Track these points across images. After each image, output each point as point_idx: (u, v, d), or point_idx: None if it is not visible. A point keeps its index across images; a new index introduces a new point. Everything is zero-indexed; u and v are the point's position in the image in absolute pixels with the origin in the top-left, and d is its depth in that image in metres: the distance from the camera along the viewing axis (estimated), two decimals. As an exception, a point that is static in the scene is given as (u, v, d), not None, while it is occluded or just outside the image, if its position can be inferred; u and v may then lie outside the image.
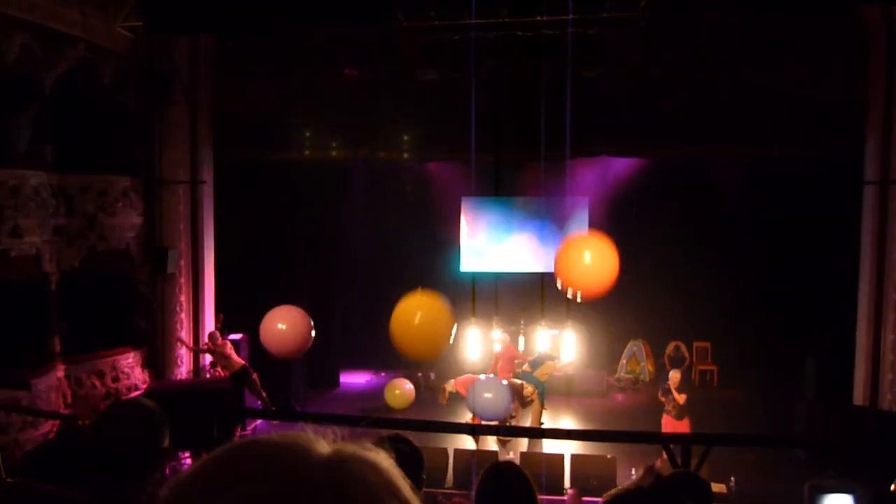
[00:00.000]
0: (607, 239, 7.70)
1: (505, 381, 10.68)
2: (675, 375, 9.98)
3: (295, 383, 12.90)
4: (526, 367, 11.80)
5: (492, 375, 11.07)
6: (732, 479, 9.58)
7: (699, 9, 10.15)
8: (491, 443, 11.01)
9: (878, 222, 10.18)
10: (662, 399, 9.97)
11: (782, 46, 10.29)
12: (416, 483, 2.78)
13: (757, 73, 10.42)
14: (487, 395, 9.88)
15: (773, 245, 12.23)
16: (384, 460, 0.75)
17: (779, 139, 10.74)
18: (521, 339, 12.94)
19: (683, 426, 9.79)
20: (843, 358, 10.69)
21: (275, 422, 11.24)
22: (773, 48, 10.31)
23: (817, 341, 11.30)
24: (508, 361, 11.74)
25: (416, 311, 7.04)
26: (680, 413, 9.81)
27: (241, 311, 12.54)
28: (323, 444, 0.74)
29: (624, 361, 14.48)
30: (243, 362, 11.22)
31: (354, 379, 14.43)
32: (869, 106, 10.29)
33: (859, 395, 10.38)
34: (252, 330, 12.59)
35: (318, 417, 10.02)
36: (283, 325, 8.42)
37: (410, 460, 2.77)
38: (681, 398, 9.75)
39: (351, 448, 0.75)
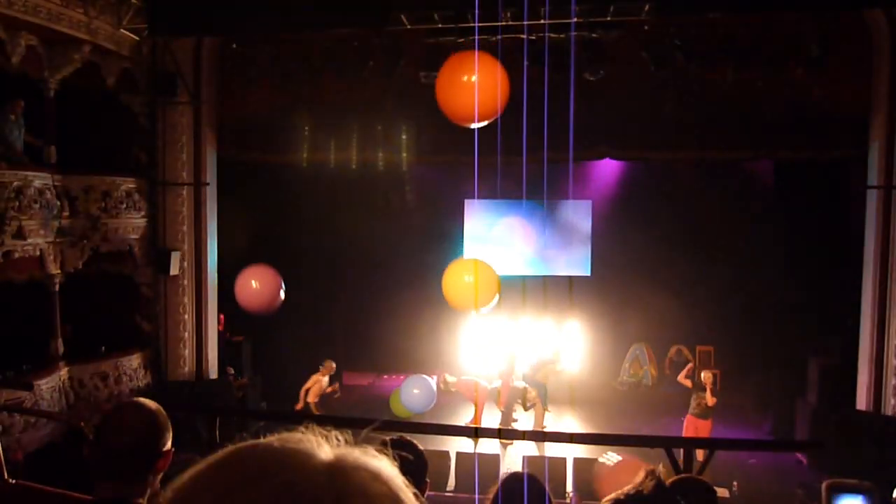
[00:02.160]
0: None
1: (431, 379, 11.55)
2: (707, 374, 10.12)
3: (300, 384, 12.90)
4: (527, 369, 11.81)
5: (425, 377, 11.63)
6: (735, 483, 9.57)
7: (702, 11, 10.13)
8: (493, 446, 11.00)
9: (882, 226, 10.16)
10: (694, 397, 10.10)
11: (786, 50, 10.27)
12: (420, 488, 2.77)
13: (760, 76, 10.40)
14: (415, 390, 11.33)
15: (776, 249, 12.21)
16: (387, 468, 0.74)
17: (782, 143, 10.72)
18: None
19: (706, 426, 9.89)
20: (847, 363, 10.66)
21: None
22: (776, 51, 10.29)
23: (820, 346, 11.28)
24: (507, 383, 11.79)
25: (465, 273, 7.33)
26: (705, 412, 9.94)
27: (243, 312, 12.56)
28: (325, 449, 0.73)
29: (627, 365, 14.46)
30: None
31: (358, 380, 14.42)
32: (873, 110, 10.28)
33: (862, 401, 10.35)
34: (255, 332, 12.67)
35: (320, 419, 10.02)
36: (256, 282, 8.80)
37: (415, 465, 2.76)
38: (711, 400, 9.93)
39: (353, 454, 0.73)
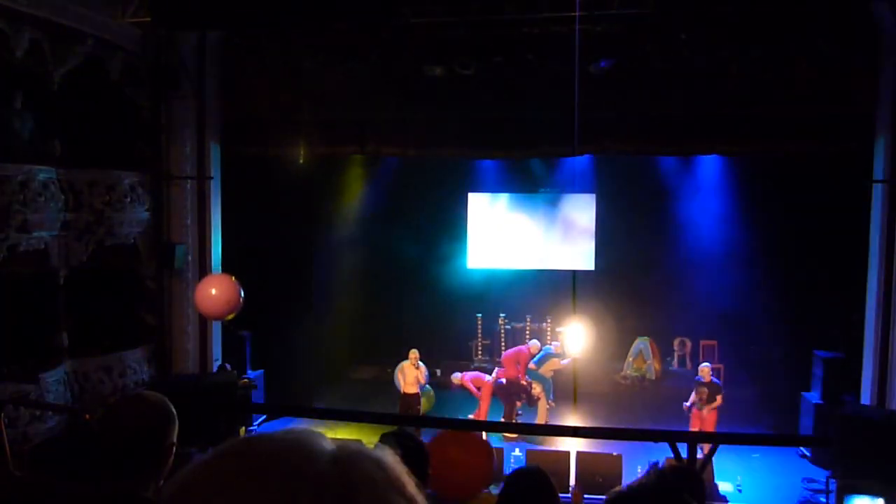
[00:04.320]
0: None
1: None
2: (704, 369, 10.28)
3: (306, 378, 12.94)
4: (531, 364, 11.80)
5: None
6: (739, 477, 9.58)
7: (709, 4, 10.09)
8: (497, 440, 11.01)
9: (887, 220, 10.12)
10: (695, 391, 10.25)
11: (792, 43, 10.23)
12: (422, 479, 2.78)
13: (766, 69, 10.35)
14: None
15: (781, 243, 12.18)
16: (389, 456, 0.75)
17: (788, 136, 10.67)
18: (529, 337, 12.93)
19: (711, 418, 10.02)
20: (851, 357, 10.65)
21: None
22: (782, 45, 10.25)
23: (825, 340, 11.26)
24: (512, 363, 11.74)
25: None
26: (704, 405, 10.12)
27: (247, 306, 12.57)
28: (328, 440, 0.74)
29: (630, 359, 14.46)
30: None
31: (364, 374, 14.45)
32: (879, 104, 10.23)
33: (867, 395, 10.33)
34: (257, 326, 12.67)
35: (326, 413, 10.05)
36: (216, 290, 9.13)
37: (416, 456, 2.76)
38: (695, 396, 10.11)
39: (356, 445, 0.75)
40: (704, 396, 10.16)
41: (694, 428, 10.10)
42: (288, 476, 0.68)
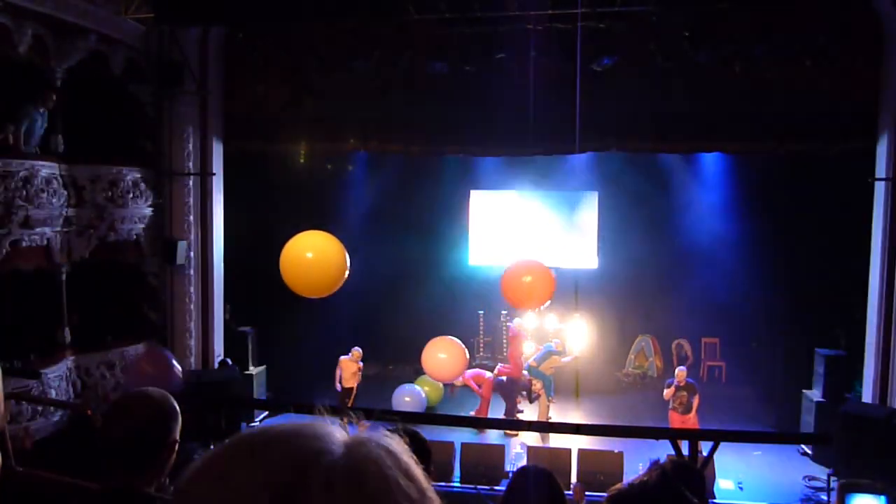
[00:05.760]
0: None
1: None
2: (680, 373, 10.13)
3: (308, 374, 12.95)
4: (532, 361, 11.81)
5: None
6: (740, 475, 9.58)
7: (711, 2, 10.07)
8: (498, 437, 11.03)
9: (889, 218, 10.11)
10: (668, 395, 10.09)
11: (795, 41, 10.20)
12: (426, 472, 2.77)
13: (769, 68, 10.33)
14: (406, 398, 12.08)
15: (783, 242, 12.16)
16: (399, 445, 0.79)
17: (790, 134, 10.65)
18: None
19: (690, 421, 9.88)
20: (853, 355, 10.63)
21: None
22: (785, 42, 10.22)
23: (827, 338, 11.25)
24: (516, 342, 11.82)
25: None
26: (686, 408, 9.93)
27: (249, 302, 12.60)
28: (339, 429, 0.77)
29: (632, 356, 14.46)
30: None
31: (365, 371, 14.43)
32: (882, 101, 10.20)
33: (869, 393, 10.33)
34: (259, 323, 12.68)
35: (327, 409, 10.03)
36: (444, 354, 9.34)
37: (417, 453, 2.76)
38: (667, 393, 9.99)
39: (366, 433, 0.78)
40: (685, 400, 10.03)
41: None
42: (300, 457, 0.71)
